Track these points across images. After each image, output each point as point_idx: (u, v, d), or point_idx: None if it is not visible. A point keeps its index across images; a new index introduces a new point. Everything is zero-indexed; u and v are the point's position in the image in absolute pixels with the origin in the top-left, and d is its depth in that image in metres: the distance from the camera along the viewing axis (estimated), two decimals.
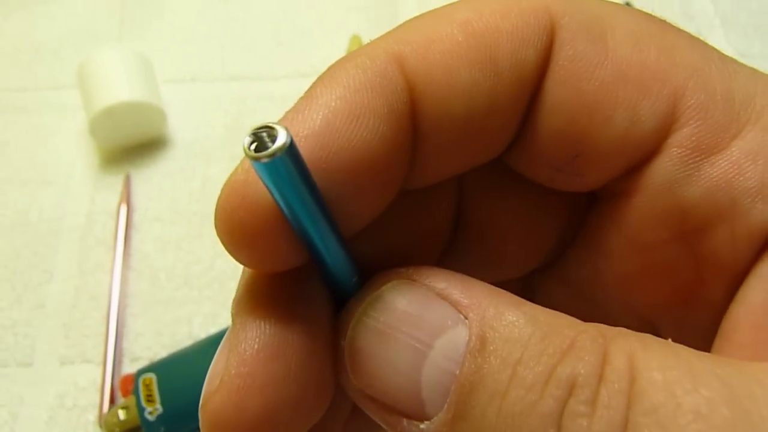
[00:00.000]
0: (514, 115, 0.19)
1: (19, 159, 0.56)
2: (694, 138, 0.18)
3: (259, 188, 0.16)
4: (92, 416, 0.44)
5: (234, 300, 0.19)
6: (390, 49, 0.18)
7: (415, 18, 0.20)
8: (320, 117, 0.17)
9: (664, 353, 0.15)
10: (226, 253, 0.18)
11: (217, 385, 0.17)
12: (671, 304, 0.20)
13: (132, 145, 0.55)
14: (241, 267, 0.19)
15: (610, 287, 0.21)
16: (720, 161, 0.18)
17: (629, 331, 0.16)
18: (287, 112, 0.18)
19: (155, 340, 0.47)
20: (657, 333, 0.22)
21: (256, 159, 0.15)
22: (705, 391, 0.14)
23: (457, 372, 0.16)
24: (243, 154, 0.15)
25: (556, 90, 0.19)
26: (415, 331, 0.17)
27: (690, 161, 0.18)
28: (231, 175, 0.17)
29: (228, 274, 0.49)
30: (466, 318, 0.17)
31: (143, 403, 0.41)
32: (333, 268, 0.18)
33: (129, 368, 0.46)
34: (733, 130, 0.18)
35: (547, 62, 0.19)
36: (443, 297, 0.17)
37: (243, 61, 0.61)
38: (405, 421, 0.17)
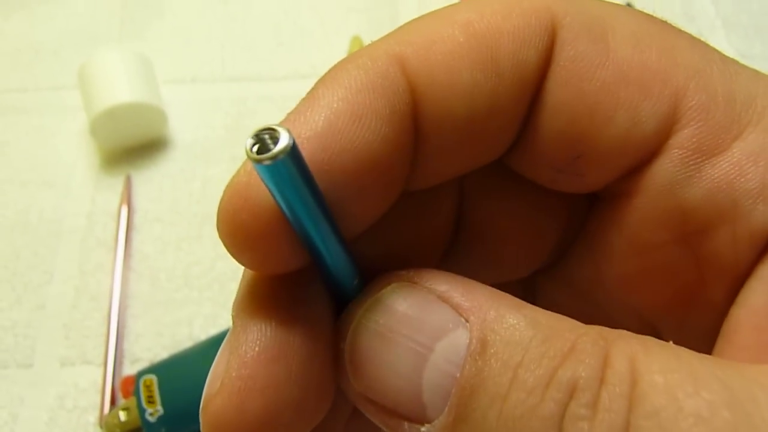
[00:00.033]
0: (516, 116, 0.19)
1: (20, 160, 0.56)
2: (695, 139, 0.18)
3: (262, 190, 0.16)
4: (93, 417, 0.44)
5: (235, 302, 0.19)
6: (391, 50, 0.18)
7: (416, 19, 0.20)
8: (322, 118, 0.17)
9: (665, 356, 0.15)
10: (227, 254, 0.18)
11: (218, 387, 0.17)
12: (672, 305, 0.20)
13: (132, 146, 0.55)
14: (241, 268, 0.19)
15: (611, 288, 0.21)
16: (721, 162, 0.18)
17: (630, 333, 0.16)
18: (289, 114, 0.18)
19: (156, 341, 0.47)
20: (658, 334, 0.22)
21: (258, 161, 0.14)
22: (706, 394, 0.14)
23: (458, 375, 0.16)
24: (244, 155, 0.15)
25: (557, 90, 0.19)
26: (416, 334, 0.17)
27: (691, 162, 0.18)
28: (233, 176, 0.17)
29: (228, 275, 0.49)
30: (466, 321, 0.17)
31: (144, 404, 0.41)
32: (334, 270, 0.18)
33: (129, 369, 0.46)
34: (734, 131, 0.18)
35: (549, 63, 0.19)
36: (444, 300, 0.17)
37: (243, 62, 0.61)
38: (406, 425, 0.17)
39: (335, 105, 0.17)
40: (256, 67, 0.60)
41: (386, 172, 0.18)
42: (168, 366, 0.43)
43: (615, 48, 0.19)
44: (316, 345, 0.18)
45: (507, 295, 0.17)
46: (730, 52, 0.20)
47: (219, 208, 0.17)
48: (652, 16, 0.20)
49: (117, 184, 0.54)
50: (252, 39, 0.62)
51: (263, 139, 0.15)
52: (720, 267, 0.19)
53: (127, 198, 0.53)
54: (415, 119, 0.18)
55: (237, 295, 0.19)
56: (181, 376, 0.42)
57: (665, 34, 0.19)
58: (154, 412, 0.41)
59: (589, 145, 0.19)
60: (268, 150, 0.14)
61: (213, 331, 0.47)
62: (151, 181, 0.54)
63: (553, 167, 0.20)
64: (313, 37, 0.62)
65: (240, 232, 0.17)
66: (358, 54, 0.19)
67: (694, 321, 0.20)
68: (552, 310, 0.17)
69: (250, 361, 0.17)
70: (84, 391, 0.45)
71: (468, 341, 0.16)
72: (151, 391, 0.42)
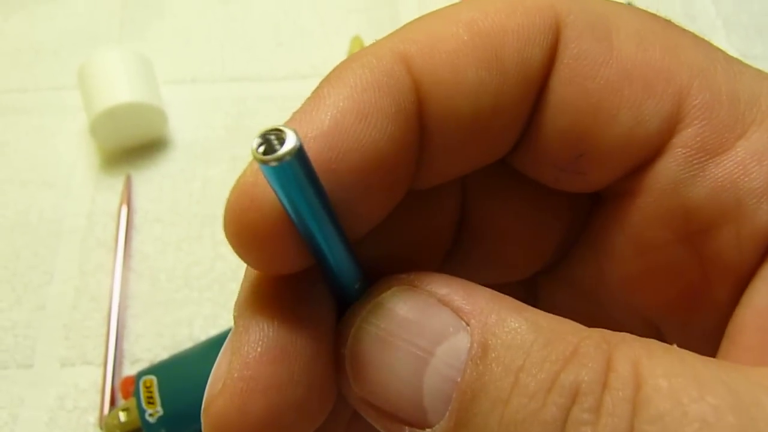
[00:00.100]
0: (520, 115, 0.19)
1: (20, 160, 0.56)
2: (698, 138, 0.18)
3: (268, 190, 0.16)
4: (93, 418, 0.44)
5: (236, 302, 0.19)
6: (396, 49, 0.18)
7: (420, 18, 0.20)
8: (328, 117, 0.17)
9: (669, 360, 0.15)
10: (227, 254, 0.18)
11: (219, 388, 0.17)
12: (676, 305, 0.20)
13: (132, 146, 0.55)
14: (241, 268, 0.19)
15: (614, 289, 0.21)
16: (725, 161, 0.18)
17: (633, 336, 0.16)
18: (295, 113, 0.18)
19: (156, 342, 0.47)
20: (661, 335, 0.22)
21: (264, 162, 0.14)
22: (711, 398, 0.14)
23: (459, 379, 0.16)
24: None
25: (560, 89, 0.19)
26: (417, 338, 0.17)
27: (695, 161, 0.18)
28: (240, 176, 0.17)
29: (228, 275, 0.49)
30: (467, 324, 0.17)
31: (144, 405, 0.41)
32: (338, 272, 0.18)
33: (129, 370, 0.46)
34: (738, 130, 0.18)
35: (553, 61, 0.19)
36: (445, 303, 0.17)
37: (243, 62, 0.61)
38: (407, 429, 0.17)
39: (341, 104, 0.17)
40: (256, 67, 0.60)
41: (392, 171, 0.18)
42: (168, 367, 0.43)
43: (619, 46, 0.19)
44: (318, 346, 0.18)
45: (508, 297, 0.17)
46: (730, 53, 0.20)
47: (226, 207, 0.17)
48: (655, 15, 0.20)
49: (117, 184, 0.54)
50: (252, 39, 0.62)
51: (269, 139, 0.15)
52: (724, 267, 0.19)
53: (127, 198, 0.53)
54: (420, 118, 0.18)
55: (239, 295, 0.19)
56: (181, 376, 0.42)
57: (669, 32, 0.19)
58: (154, 412, 0.41)
59: (592, 144, 0.19)
60: (274, 151, 0.14)
61: (213, 331, 0.47)
62: (151, 181, 0.54)
63: (556, 166, 0.20)
64: (313, 37, 0.62)
65: (247, 232, 0.17)
66: (362, 52, 0.18)
67: (698, 321, 0.20)
68: (554, 311, 0.17)
69: (252, 362, 0.17)
70: (84, 392, 0.45)
71: (469, 345, 0.16)
72: (150, 391, 0.42)
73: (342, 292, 0.18)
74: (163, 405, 0.41)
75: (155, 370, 0.43)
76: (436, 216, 0.22)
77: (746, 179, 0.18)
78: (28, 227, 0.52)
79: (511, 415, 0.15)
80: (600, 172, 0.19)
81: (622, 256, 0.20)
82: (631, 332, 0.17)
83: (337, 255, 0.17)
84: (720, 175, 0.18)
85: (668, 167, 0.19)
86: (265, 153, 0.14)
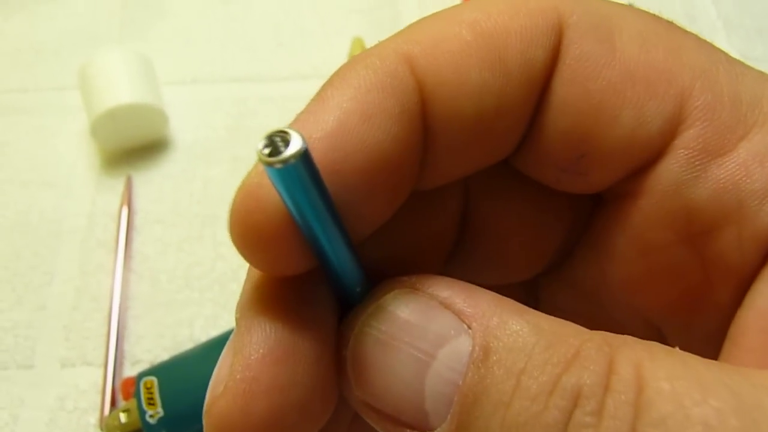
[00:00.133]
0: (523, 116, 0.19)
1: (20, 160, 0.56)
2: (700, 139, 0.18)
3: (273, 192, 0.16)
4: (93, 419, 0.44)
5: (238, 304, 0.19)
6: (399, 50, 0.18)
7: (423, 19, 0.20)
8: (333, 118, 0.17)
9: (671, 362, 0.15)
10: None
11: (221, 389, 0.17)
12: (677, 307, 0.20)
13: (133, 146, 0.55)
14: (242, 269, 0.19)
15: (616, 290, 0.21)
16: (727, 163, 0.18)
17: (635, 339, 0.16)
18: (299, 114, 0.18)
19: (156, 343, 0.47)
20: (663, 337, 0.22)
21: (269, 164, 0.14)
22: (714, 401, 0.14)
23: (461, 382, 0.16)
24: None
25: (563, 89, 0.19)
26: (418, 342, 0.17)
27: (697, 162, 0.18)
28: (245, 178, 0.17)
29: (229, 275, 0.49)
30: (469, 327, 0.17)
31: (144, 406, 0.41)
32: (341, 273, 0.18)
33: (130, 371, 0.46)
34: (740, 131, 0.18)
35: (556, 62, 0.19)
36: (446, 306, 0.17)
37: (244, 63, 0.61)
38: None
39: (345, 105, 0.17)
40: (256, 67, 0.60)
41: (396, 171, 0.18)
42: (168, 368, 0.43)
43: (621, 47, 0.19)
44: (321, 348, 0.18)
45: (510, 300, 0.17)
46: (731, 54, 0.20)
47: (231, 209, 0.17)
48: (658, 17, 0.20)
49: (118, 184, 0.54)
50: (252, 40, 0.62)
51: (275, 141, 0.15)
52: (726, 268, 0.19)
53: (128, 199, 0.53)
54: (424, 119, 0.18)
55: (241, 296, 0.19)
56: (182, 378, 0.42)
57: (671, 34, 0.19)
58: (155, 413, 0.41)
59: (594, 145, 0.19)
60: (279, 153, 0.14)
61: (214, 332, 0.47)
62: (152, 182, 0.54)
63: (558, 167, 0.20)
64: (313, 37, 0.62)
65: (252, 234, 0.17)
66: (366, 54, 0.18)
67: (700, 323, 0.20)
68: (555, 312, 0.17)
69: (254, 363, 0.17)
70: (84, 393, 0.45)
71: (470, 348, 0.16)
72: (151, 392, 0.41)
73: (344, 294, 0.18)
74: (163, 406, 0.41)
75: (156, 371, 0.43)
76: (438, 217, 0.22)
77: (748, 181, 0.18)
78: (28, 228, 0.52)
79: (513, 418, 0.15)
80: (602, 172, 0.19)
81: (623, 257, 0.20)
82: (633, 334, 0.17)
83: (340, 257, 0.17)
84: (722, 176, 0.18)
85: (670, 168, 0.19)
86: (270, 155, 0.14)
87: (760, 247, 0.18)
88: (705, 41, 0.20)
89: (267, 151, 0.14)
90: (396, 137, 0.18)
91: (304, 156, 0.15)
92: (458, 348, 0.16)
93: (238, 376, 0.17)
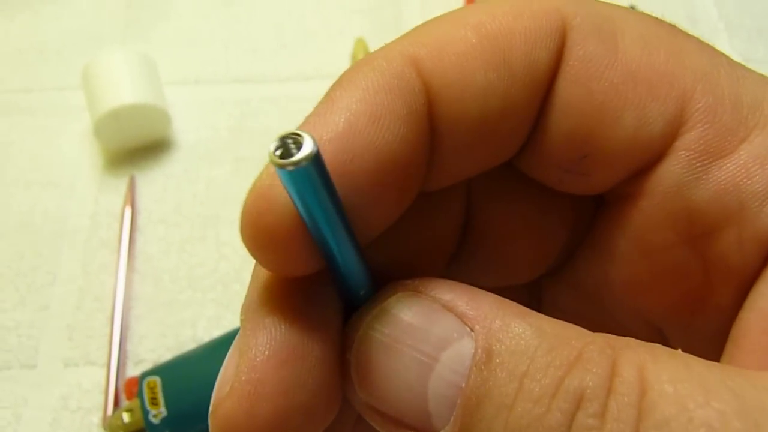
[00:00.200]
0: (527, 117, 0.19)
1: (23, 160, 0.56)
2: (702, 141, 0.18)
3: (285, 193, 0.16)
4: (96, 419, 0.44)
5: (243, 305, 0.19)
6: (406, 52, 0.18)
7: (429, 21, 0.20)
8: (342, 120, 0.17)
9: (674, 365, 0.15)
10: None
11: (227, 391, 0.17)
12: (679, 308, 0.20)
13: (136, 147, 0.55)
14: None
15: (618, 291, 0.21)
16: (728, 164, 0.18)
17: (638, 341, 0.16)
18: (308, 116, 0.18)
19: (159, 342, 0.47)
20: (664, 338, 0.22)
21: (281, 166, 0.15)
22: (717, 404, 0.14)
23: (464, 385, 0.16)
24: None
25: (566, 90, 0.19)
26: (421, 344, 0.17)
27: (698, 164, 0.18)
28: (256, 179, 0.17)
29: (232, 276, 0.49)
30: (472, 330, 0.17)
31: (147, 405, 0.41)
32: (347, 275, 0.18)
33: (133, 370, 0.46)
34: (741, 133, 0.18)
35: (559, 63, 0.19)
36: (449, 309, 0.17)
37: (247, 63, 0.61)
38: None
39: (354, 106, 0.17)
40: (259, 68, 0.60)
41: (404, 173, 0.18)
42: (172, 368, 0.43)
43: (624, 49, 0.19)
44: (326, 350, 0.18)
45: (512, 303, 0.17)
46: (732, 56, 0.20)
47: (243, 210, 0.17)
48: (660, 20, 0.20)
49: (121, 185, 0.54)
50: (255, 40, 0.62)
51: (287, 143, 0.15)
52: (727, 269, 0.19)
53: (131, 199, 0.53)
54: (431, 120, 0.18)
55: (246, 298, 0.19)
56: (185, 377, 0.42)
57: (673, 37, 0.19)
58: (158, 413, 0.41)
59: (596, 145, 0.19)
60: (291, 155, 0.14)
61: (216, 332, 0.47)
62: (155, 182, 0.54)
63: (560, 167, 0.20)
64: (316, 38, 0.62)
65: (264, 235, 0.17)
66: (372, 56, 0.19)
67: (701, 324, 0.20)
68: (557, 314, 0.17)
69: (259, 365, 0.17)
70: (87, 392, 0.45)
71: (473, 351, 0.16)
72: (154, 392, 0.42)
73: (349, 295, 0.19)
74: (166, 406, 0.41)
75: (159, 371, 0.43)
76: (441, 219, 0.22)
77: (749, 182, 0.18)
78: (31, 227, 0.52)
79: (516, 420, 0.15)
80: (604, 173, 0.20)
81: (625, 258, 0.20)
82: (635, 335, 0.17)
83: (347, 259, 0.17)
84: (723, 178, 0.18)
85: (671, 170, 0.19)
86: (282, 157, 0.15)
87: (760, 248, 0.18)
88: (706, 44, 0.20)
89: (279, 153, 0.15)
90: (404, 138, 0.18)
91: (316, 158, 0.15)
92: (461, 351, 0.17)
93: (243, 378, 0.17)
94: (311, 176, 0.15)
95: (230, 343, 0.18)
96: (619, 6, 0.20)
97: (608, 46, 0.19)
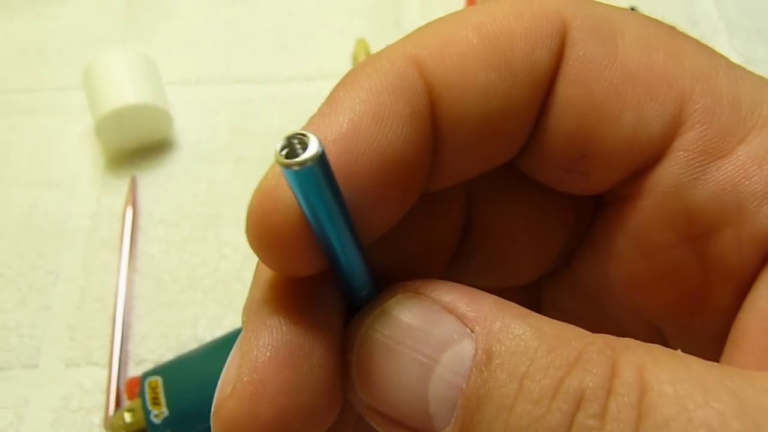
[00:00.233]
0: (528, 117, 0.19)
1: (25, 160, 0.56)
2: (700, 141, 0.18)
3: (290, 193, 0.16)
4: (97, 418, 0.45)
5: (245, 306, 0.19)
6: (408, 53, 0.19)
7: (430, 23, 0.20)
8: (346, 120, 0.17)
9: (674, 365, 0.15)
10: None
11: (229, 391, 0.17)
12: (678, 308, 0.20)
13: (137, 147, 0.56)
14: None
15: (617, 292, 0.21)
16: (726, 165, 0.18)
17: (638, 342, 0.16)
18: (312, 117, 0.18)
19: (160, 342, 0.47)
20: (664, 338, 0.22)
21: (286, 166, 0.15)
22: (716, 404, 0.14)
23: (464, 386, 0.16)
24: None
25: (566, 90, 0.19)
26: (421, 346, 0.17)
27: (696, 164, 0.18)
28: (262, 179, 0.17)
29: (232, 276, 0.49)
30: (472, 331, 0.17)
31: (149, 405, 0.41)
32: (350, 276, 0.18)
33: (134, 370, 0.46)
34: (739, 134, 0.18)
35: (559, 64, 0.19)
36: (449, 310, 0.17)
37: (247, 64, 0.61)
38: None
39: (357, 107, 0.18)
40: (260, 68, 0.60)
41: (407, 173, 0.18)
42: (173, 368, 0.43)
43: (623, 50, 0.19)
44: (327, 351, 0.18)
45: (512, 304, 0.17)
46: (732, 56, 0.20)
47: (248, 210, 0.17)
48: (659, 21, 0.20)
49: (122, 185, 0.54)
50: (256, 41, 0.62)
51: (292, 143, 0.15)
52: (725, 270, 0.19)
53: (132, 199, 0.53)
54: (433, 120, 0.18)
55: (248, 299, 0.19)
56: (186, 377, 0.42)
57: (672, 38, 0.20)
58: (159, 413, 0.41)
59: (595, 145, 0.19)
60: (297, 155, 0.15)
61: (217, 332, 0.47)
62: (156, 182, 0.54)
63: (560, 167, 0.20)
64: (317, 39, 0.62)
65: (269, 235, 0.17)
66: (375, 57, 0.19)
67: (701, 325, 0.20)
68: (557, 314, 0.17)
69: (261, 366, 0.17)
70: (89, 392, 0.46)
71: (473, 352, 0.16)
72: (156, 392, 0.42)
73: (352, 296, 0.19)
74: (168, 406, 0.41)
75: (160, 371, 0.43)
76: (442, 220, 0.22)
77: (747, 183, 0.18)
78: (33, 228, 0.52)
79: (516, 421, 0.15)
80: (603, 173, 0.20)
81: (624, 258, 0.21)
82: (634, 335, 0.17)
83: (350, 259, 0.17)
84: (721, 178, 0.18)
85: (670, 170, 0.19)
86: (287, 157, 0.15)
87: (759, 248, 0.18)
88: (706, 46, 0.20)
89: (285, 152, 0.15)
90: (407, 138, 0.18)
91: (321, 159, 0.15)
92: (461, 352, 0.17)
93: (245, 379, 0.17)
94: (316, 176, 0.15)
95: (232, 343, 0.18)
96: (618, 7, 0.20)
97: (608, 47, 0.19)
